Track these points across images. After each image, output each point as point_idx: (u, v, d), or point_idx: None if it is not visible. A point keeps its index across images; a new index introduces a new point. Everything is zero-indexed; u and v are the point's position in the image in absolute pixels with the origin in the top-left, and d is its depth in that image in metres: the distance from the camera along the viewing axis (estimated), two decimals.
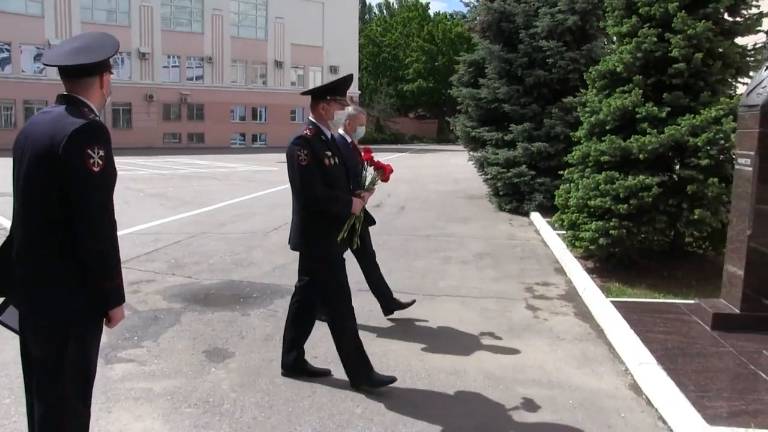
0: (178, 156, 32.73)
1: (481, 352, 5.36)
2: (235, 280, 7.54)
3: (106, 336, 5.27)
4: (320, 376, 4.76)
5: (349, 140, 5.85)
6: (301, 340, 4.84)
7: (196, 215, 12.40)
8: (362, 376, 4.53)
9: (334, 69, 48.62)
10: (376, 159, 4.96)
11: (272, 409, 4.21)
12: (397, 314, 6.25)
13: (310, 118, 4.58)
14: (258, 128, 47.87)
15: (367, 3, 77.09)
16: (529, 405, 4.39)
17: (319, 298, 4.70)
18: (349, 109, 5.64)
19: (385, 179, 5.01)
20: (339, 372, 4.82)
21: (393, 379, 4.57)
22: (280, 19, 46.85)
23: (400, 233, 10.80)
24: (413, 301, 6.35)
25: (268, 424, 4.01)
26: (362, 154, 5.00)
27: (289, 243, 4.69)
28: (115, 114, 41.21)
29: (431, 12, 69.60)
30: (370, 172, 4.97)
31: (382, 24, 68.49)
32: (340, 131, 5.64)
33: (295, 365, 4.77)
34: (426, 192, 17.25)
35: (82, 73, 2.78)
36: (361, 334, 5.65)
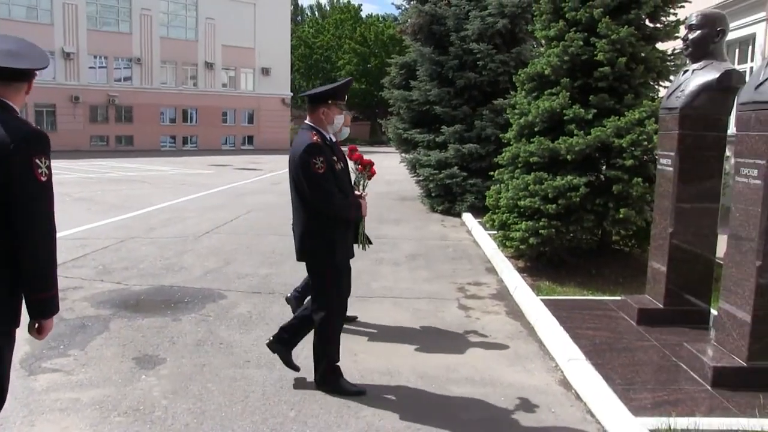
0: (106, 159, 31.85)
1: (414, 353, 5.38)
2: (165, 285, 7.37)
3: (29, 346, 5.12)
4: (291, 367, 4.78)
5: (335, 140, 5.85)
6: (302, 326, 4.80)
7: (125, 220, 12.07)
8: (330, 384, 4.54)
9: (266, 71, 48.19)
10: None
11: (205, 415, 4.12)
12: None
13: (309, 123, 4.51)
14: (189, 130, 46.91)
15: (299, 4, 76.69)
16: (462, 403, 4.43)
17: (314, 301, 4.61)
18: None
19: (371, 175, 5.06)
20: (272, 377, 4.78)
21: (363, 392, 4.51)
22: (210, 19, 46.02)
23: None
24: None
25: (200, 431, 3.93)
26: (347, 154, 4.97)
27: (297, 255, 4.60)
28: (38, 116, 39.65)
29: (363, 14, 69.81)
30: (359, 172, 5.00)
31: (315, 25, 68.21)
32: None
33: (285, 343, 4.78)
34: None
35: (20, 77, 2.70)
36: None
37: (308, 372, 4.73)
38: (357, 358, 5.21)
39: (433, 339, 5.75)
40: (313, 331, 4.62)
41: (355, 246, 4.94)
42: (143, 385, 4.59)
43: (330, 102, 4.47)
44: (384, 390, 4.61)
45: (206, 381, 4.67)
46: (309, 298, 4.88)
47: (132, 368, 4.89)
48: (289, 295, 6.23)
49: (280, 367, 4.92)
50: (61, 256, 8.37)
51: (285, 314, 6.28)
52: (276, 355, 4.79)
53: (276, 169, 25.80)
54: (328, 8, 74.81)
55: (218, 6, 45.98)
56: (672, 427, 3.85)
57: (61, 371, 4.81)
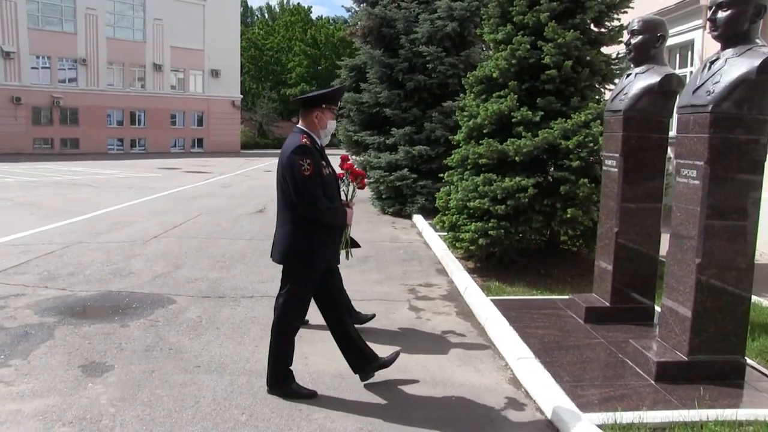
0: (50, 162, 31.01)
1: None
2: (113, 291, 7.22)
3: None
4: (391, 362, 4.82)
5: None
6: (353, 337, 4.76)
7: (70, 224, 11.78)
8: (282, 387, 4.51)
9: (215, 72, 47.53)
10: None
11: (154, 422, 4.06)
12: None
13: (300, 126, 4.48)
14: (137, 133, 45.98)
15: (249, 5, 75.95)
16: (413, 404, 4.45)
17: (279, 298, 4.57)
18: None
19: (361, 186, 5.11)
20: (223, 381, 4.74)
21: (314, 394, 4.52)
22: (158, 20, 45.21)
23: None
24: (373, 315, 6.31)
25: None
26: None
27: (271, 256, 4.60)
28: None
29: (313, 16, 69.46)
30: (350, 182, 5.02)
31: (264, 27, 67.65)
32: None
33: (364, 364, 4.72)
34: None
35: None
36: (246, 341, 5.61)
37: (260, 375, 4.70)
38: (308, 361, 5.20)
39: (385, 341, 5.75)
40: (271, 331, 4.59)
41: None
42: (90, 393, 4.49)
43: (324, 106, 4.47)
44: (335, 392, 4.61)
45: (155, 387, 4.60)
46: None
47: (78, 376, 4.78)
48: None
49: (230, 371, 4.90)
50: (1, 263, 8.22)
51: (235, 318, 6.25)
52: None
53: (226, 172, 25.55)
54: (277, 10, 74.34)
55: (166, 6, 45.22)
56: (618, 422, 3.93)
57: (1, 382, 4.67)
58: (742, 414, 4.08)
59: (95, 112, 43.15)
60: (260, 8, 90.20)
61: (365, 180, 5.14)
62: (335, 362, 5.15)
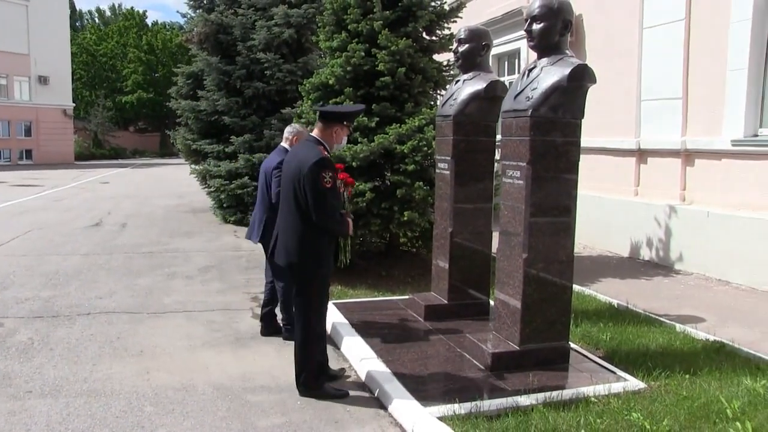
0: None
1: (209, 365, 5.28)
2: None
3: None
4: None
5: None
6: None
7: None
8: (315, 389, 4.62)
9: (43, 79, 43.97)
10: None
11: None
12: (117, 334, 6.01)
13: (316, 136, 4.63)
14: None
15: (78, 8, 71.77)
16: (259, 411, 4.41)
17: (298, 308, 4.69)
18: (296, 125, 6.11)
19: (349, 195, 5.22)
20: (58, 405, 4.46)
21: (345, 395, 4.64)
22: None
23: (122, 251, 10.24)
24: None
25: None
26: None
27: (276, 259, 4.73)
28: None
29: (149, 21, 66.91)
30: (345, 191, 5.07)
31: (97, 32, 64.13)
32: (285, 145, 5.96)
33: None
34: (149, 207, 16.53)
35: None
36: (83, 360, 5.31)
37: (99, 395, 4.47)
38: (149, 375, 5.02)
39: (229, 350, 5.67)
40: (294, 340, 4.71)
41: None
42: None
43: (345, 123, 4.69)
44: (180, 406, 4.47)
45: None
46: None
47: None
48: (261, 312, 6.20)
49: (66, 393, 4.64)
50: None
51: (71, 337, 5.91)
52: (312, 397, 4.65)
53: (59, 185, 23.86)
54: (109, 14, 70.94)
55: None
56: (456, 413, 4.10)
57: None
58: (567, 394, 4.42)
59: None
60: (90, 12, 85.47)
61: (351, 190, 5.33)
62: (179, 375, 5.04)
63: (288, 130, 6.09)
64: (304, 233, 4.50)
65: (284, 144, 6.01)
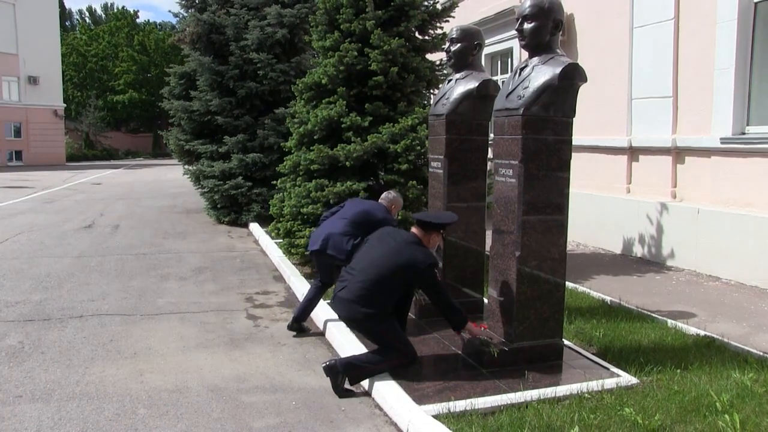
0: None
1: (204, 367, 5.30)
2: None
3: None
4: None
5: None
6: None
7: None
8: (344, 380, 4.76)
9: (33, 79, 43.64)
10: None
11: None
12: (110, 336, 6.04)
13: (418, 237, 5.02)
14: None
15: (67, 8, 71.36)
16: (254, 412, 4.43)
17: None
18: (395, 194, 6.38)
19: None
20: (49, 410, 4.47)
21: (353, 393, 4.78)
22: None
23: (115, 253, 10.24)
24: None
25: None
26: None
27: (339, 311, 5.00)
28: None
29: (140, 21, 66.62)
30: None
31: (87, 32, 63.83)
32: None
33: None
34: (142, 209, 16.52)
35: None
36: (75, 363, 5.32)
37: (91, 398, 4.48)
38: (143, 378, 5.03)
39: (223, 351, 5.69)
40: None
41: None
42: None
43: (441, 231, 5.16)
44: (173, 408, 4.49)
45: None
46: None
47: None
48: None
49: (57, 397, 4.64)
50: None
51: (63, 340, 5.91)
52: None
53: (50, 186, 23.78)
54: (100, 14, 70.65)
55: None
56: (451, 410, 4.14)
57: None
58: (560, 390, 4.46)
59: None
60: (80, 11, 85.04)
61: None
62: (173, 377, 5.05)
63: (387, 197, 6.33)
64: (382, 307, 4.81)
65: (382, 203, 6.28)
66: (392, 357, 4.80)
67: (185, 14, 15.58)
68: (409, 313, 6.32)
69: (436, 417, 4.06)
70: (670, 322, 6.14)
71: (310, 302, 6.24)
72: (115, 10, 66.98)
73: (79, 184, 25.40)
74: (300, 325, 6.21)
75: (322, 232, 6.04)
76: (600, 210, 10.36)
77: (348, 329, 5.91)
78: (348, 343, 5.50)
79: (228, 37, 13.63)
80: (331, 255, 5.87)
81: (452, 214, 5.41)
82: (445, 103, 6.16)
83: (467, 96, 6.02)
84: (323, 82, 8.33)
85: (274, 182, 9.41)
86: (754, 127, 8.13)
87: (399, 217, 7.35)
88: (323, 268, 6.16)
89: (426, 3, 8.78)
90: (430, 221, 5.07)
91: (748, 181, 8.02)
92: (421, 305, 6.27)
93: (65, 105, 48.25)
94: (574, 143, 5.01)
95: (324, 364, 4.75)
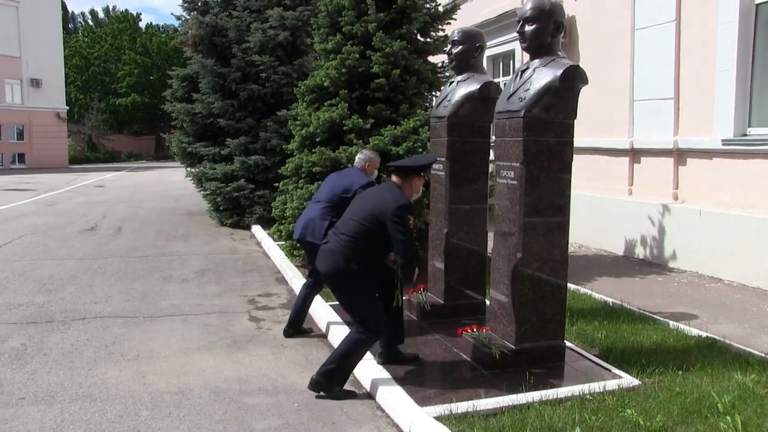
0: None
1: (206, 369, 5.30)
2: None
3: None
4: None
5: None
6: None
7: None
8: (333, 386, 4.69)
9: (36, 82, 43.69)
10: None
11: None
12: (112, 338, 6.05)
13: (399, 185, 4.83)
14: None
15: (70, 11, 71.45)
16: (256, 413, 4.44)
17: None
18: (368, 152, 6.33)
19: None
20: (52, 412, 4.48)
21: (355, 394, 4.74)
22: None
23: (117, 255, 10.26)
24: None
25: None
26: None
27: (317, 264, 4.93)
28: None
29: (143, 24, 66.77)
30: None
31: (90, 35, 63.95)
32: (358, 167, 6.24)
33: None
34: (144, 211, 16.54)
35: None
36: (78, 365, 5.33)
37: (94, 400, 4.49)
38: (145, 380, 5.04)
39: (225, 353, 5.70)
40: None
41: None
42: None
43: (422, 174, 4.96)
44: (175, 410, 4.50)
45: None
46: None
47: None
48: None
49: (60, 399, 4.65)
50: None
51: (65, 342, 5.92)
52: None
53: (53, 189, 23.82)
54: (103, 16, 70.76)
55: None
56: (453, 412, 4.14)
57: None
58: (562, 392, 4.46)
59: None
60: (83, 14, 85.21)
61: None
62: (175, 379, 5.06)
63: (360, 157, 6.25)
64: (363, 256, 4.67)
65: (357, 167, 6.21)
66: (359, 339, 4.75)
67: (188, 17, 15.62)
68: (411, 315, 6.36)
69: (438, 418, 4.06)
70: (671, 323, 6.15)
71: (303, 304, 6.23)
72: (117, 13, 67.07)
73: (81, 186, 25.44)
74: (298, 328, 6.21)
75: (302, 219, 6.10)
76: (602, 212, 10.37)
77: (346, 327, 5.92)
78: None
79: (230, 39, 13.65)
80: (311, 242, 5.87)
81: (432, 156, 5.37)
82: (447, 105, 6.18)
83: (469, 98, 6.04)
84: (325, 84, 8.35)
85: (277, 184, 9.42)
86: (756, 129, 8.13)
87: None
88: (311, 256, 6.11)
89: (428, 5, 8.79)
90: (407, 165, 4.97)
91: (749, 183, 8.02)
92: (422, 308, 6.28)
93: (68, 108, 48.31)
94: (575, 145, 5.03)
95: (308, 385, 4.73)
